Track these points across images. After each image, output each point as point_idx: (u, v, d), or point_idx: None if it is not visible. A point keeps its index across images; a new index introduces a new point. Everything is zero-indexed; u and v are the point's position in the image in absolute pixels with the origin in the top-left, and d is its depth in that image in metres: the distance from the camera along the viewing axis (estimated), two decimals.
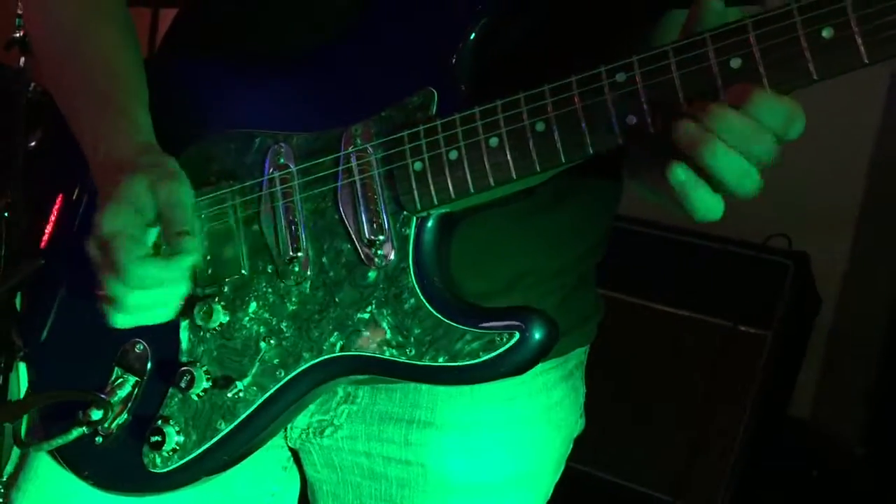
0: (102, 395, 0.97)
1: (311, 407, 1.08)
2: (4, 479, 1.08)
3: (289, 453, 1.16)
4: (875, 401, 3.11)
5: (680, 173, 0.77)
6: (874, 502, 2.80)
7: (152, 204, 0.92)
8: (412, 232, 0.90)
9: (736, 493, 2.59)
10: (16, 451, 1.09)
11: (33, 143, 2.07)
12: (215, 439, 0.94)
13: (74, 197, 1.10)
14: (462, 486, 1.08)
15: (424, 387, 1.04)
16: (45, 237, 1.11)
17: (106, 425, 0.98)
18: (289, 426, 1.09)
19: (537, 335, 0.85)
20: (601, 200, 1.11)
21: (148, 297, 0.93)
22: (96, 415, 0.97)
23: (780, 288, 2.65)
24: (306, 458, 1.14)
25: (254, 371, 0.94)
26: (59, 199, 1.12)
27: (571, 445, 1.20)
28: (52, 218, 1.11)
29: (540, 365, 1.05)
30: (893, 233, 3.15)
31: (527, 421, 1.10)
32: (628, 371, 2.69)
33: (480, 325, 0.86)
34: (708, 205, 0.78)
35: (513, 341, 0.85)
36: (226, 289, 0.97)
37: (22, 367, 1.08)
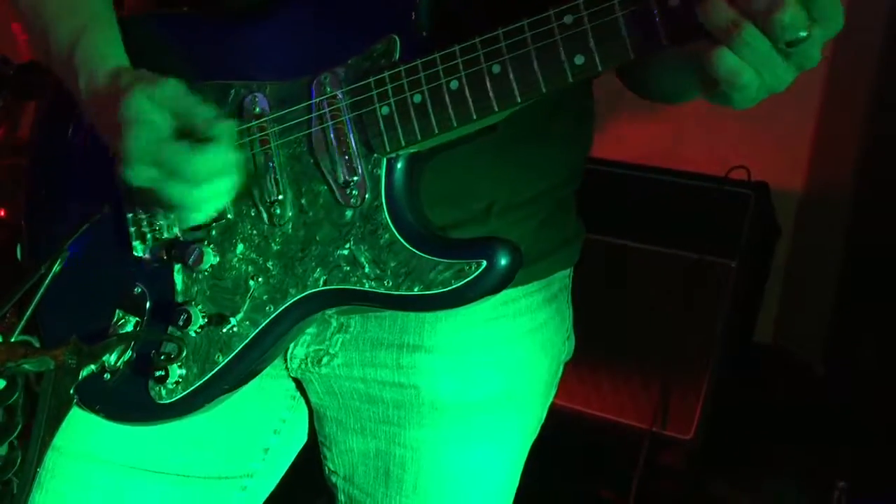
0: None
1: (307, 337, 1.13)
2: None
3: (294, 383, 1.20)
4: (832, 324, 3.21)
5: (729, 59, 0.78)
6: (834, 416, 2.92)
7: (161, 110, 0.92)
8: (383, 172, 0.95)
9: (711, 417, 2.66)
10: None
11: None
12: (214, 371, 1.00)
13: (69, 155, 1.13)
14: (454, 405, 1.13)
15: (412, 312, 1.08)
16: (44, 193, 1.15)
17: (113, 363, 1.03)
18: (288, 357, 1.15)
19: (503, 261, 0.91)
20: (571, 134, 1.14)
21: (216, 185, 0.94)
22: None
23: (742, 218, 2.69)
24: (309, 386, 1.18)
25: (245, 307, 1.00)
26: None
27: (562, 369, 1.23)
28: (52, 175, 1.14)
29: (522, 288, 1.12)
30: (847, 159, 3.19)
31: (511, 341, 1.14)
32: (599, 308, 2.70)
33: (450, 255, 0.92)
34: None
35: (480, 269, 0.91)
36: (213, 232, 1.02)
37: None
